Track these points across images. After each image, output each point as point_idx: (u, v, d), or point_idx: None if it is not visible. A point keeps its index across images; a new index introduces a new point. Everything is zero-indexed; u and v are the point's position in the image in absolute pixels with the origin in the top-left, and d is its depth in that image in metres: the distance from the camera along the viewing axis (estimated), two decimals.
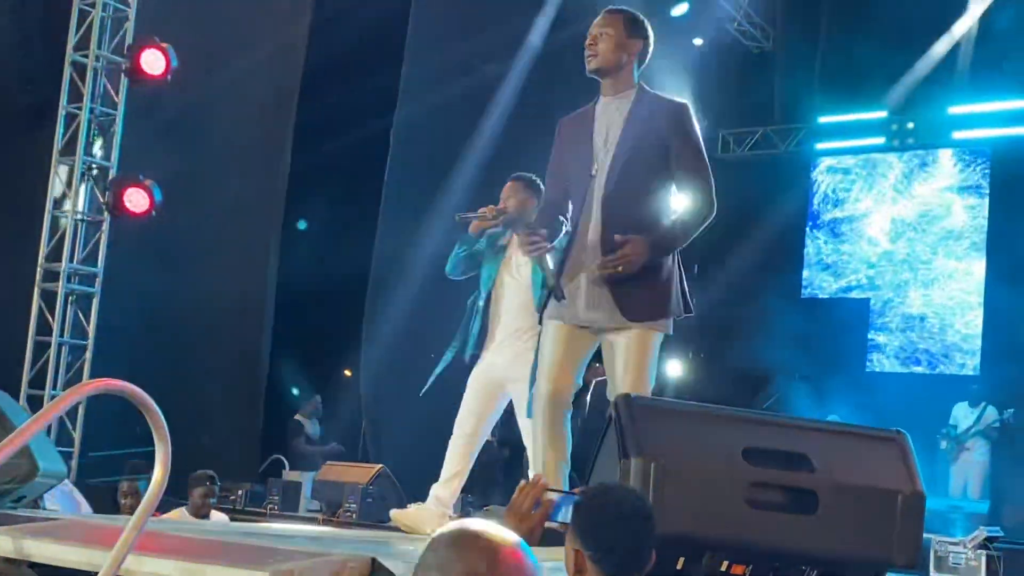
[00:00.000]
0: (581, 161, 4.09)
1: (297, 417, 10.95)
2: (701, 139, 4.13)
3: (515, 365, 5.12)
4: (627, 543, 2.48)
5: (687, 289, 4.13)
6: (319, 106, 9.98)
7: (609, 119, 4.08)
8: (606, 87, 4.13)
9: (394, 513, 5.30)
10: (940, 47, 11.90)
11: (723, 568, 3.04)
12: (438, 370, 5.38)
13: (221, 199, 9.69)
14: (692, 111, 4.10)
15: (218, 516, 7.10)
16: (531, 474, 4.20)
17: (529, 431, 4.58)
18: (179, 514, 6.80)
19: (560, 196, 4.19)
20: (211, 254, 9.67)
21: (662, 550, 2.64)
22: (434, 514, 5.05)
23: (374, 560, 2.90)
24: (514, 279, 5.25)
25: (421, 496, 5.32)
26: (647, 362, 4.02)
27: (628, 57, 4.08)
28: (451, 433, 5.29)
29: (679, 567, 3.00)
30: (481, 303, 5.31)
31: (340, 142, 10.25)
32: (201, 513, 6.89)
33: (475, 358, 5.31)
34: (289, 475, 9.84)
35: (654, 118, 4.02)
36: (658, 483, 2.97)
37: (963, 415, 11.15)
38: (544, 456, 4.16)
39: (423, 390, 5.47)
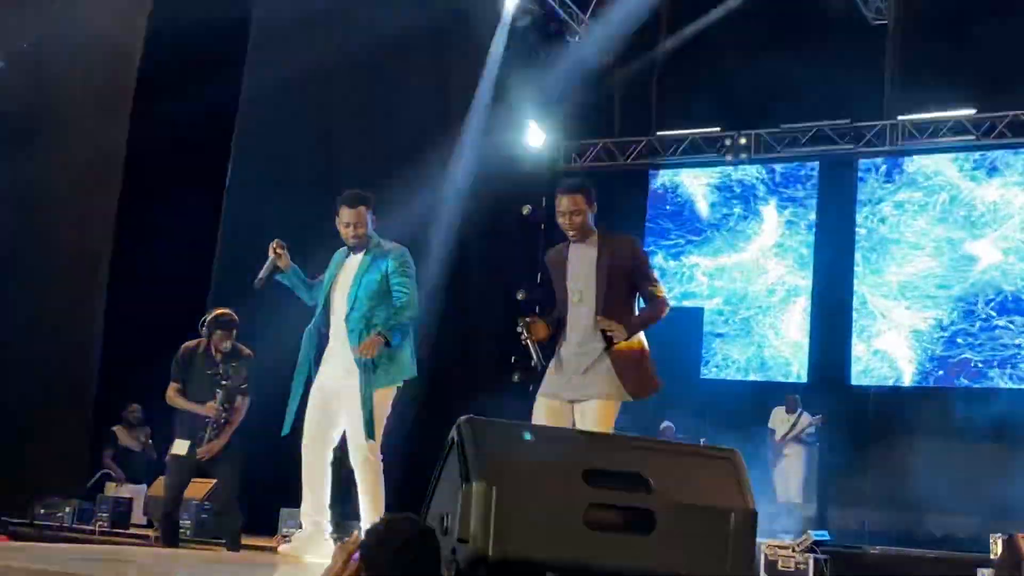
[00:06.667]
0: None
1: (114, 428, 10.40)
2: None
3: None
4: (408, 571, 2.63)
5: None
6: (153, 122, 9.56)
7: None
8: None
9: (282, 550, 5.45)
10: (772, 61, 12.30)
11: None
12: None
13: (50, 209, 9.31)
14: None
15: None
16: None
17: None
18: None
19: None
20: (38, 267, 9.27)
21: (502, 574, 2.66)
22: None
23: None
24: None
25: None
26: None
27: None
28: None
29: None
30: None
31: (177, 156, 9.85)
32: None
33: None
34: (120, 490, 9.49)
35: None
36: (499, 506, 2.99)
37: (780, 420, 11.54)
38: None
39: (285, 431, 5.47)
